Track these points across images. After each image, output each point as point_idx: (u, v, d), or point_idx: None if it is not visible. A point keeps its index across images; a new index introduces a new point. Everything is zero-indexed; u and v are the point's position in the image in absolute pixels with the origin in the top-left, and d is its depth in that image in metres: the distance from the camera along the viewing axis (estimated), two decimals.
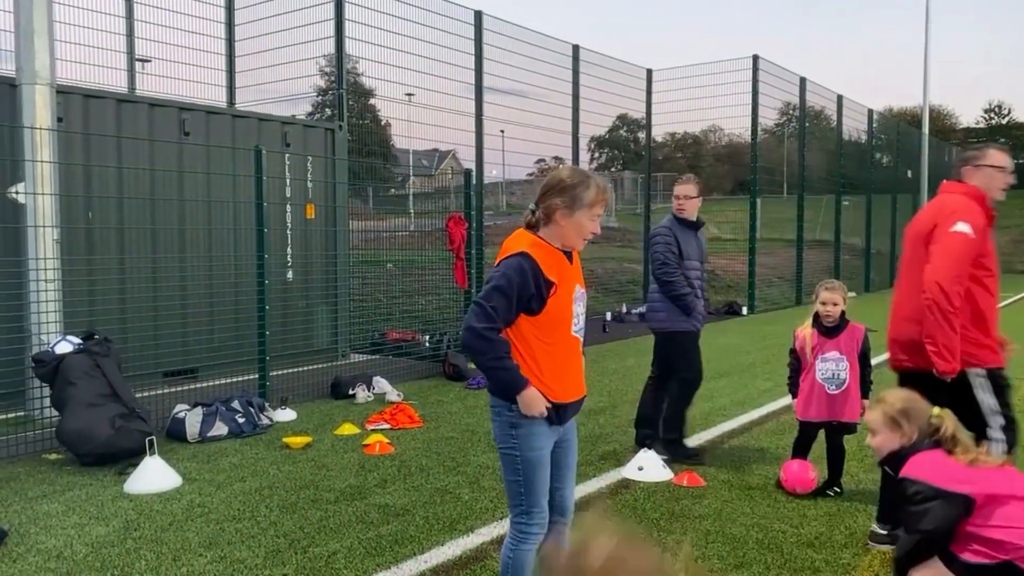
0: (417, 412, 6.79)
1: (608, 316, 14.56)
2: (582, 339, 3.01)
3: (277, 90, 11.42)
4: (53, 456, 5.50)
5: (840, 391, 4.65)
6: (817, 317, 4.78)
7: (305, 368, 8.17)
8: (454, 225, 8.81)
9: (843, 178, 20.87)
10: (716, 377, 8.71)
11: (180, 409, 6.13)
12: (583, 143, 22.92)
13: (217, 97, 11.46)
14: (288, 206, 9.15)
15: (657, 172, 38.30)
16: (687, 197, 5.76)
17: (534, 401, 2.77)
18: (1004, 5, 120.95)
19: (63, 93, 7.18)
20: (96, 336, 5.67)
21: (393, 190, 26.63)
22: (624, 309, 15.23)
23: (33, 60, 6.34)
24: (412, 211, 27.92)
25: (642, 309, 15.44)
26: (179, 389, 7.49)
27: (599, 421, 6.70)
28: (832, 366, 4.69)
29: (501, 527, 4.19)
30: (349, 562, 3.83)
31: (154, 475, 4.90)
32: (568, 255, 2.92)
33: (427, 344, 9.65)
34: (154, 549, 3.96)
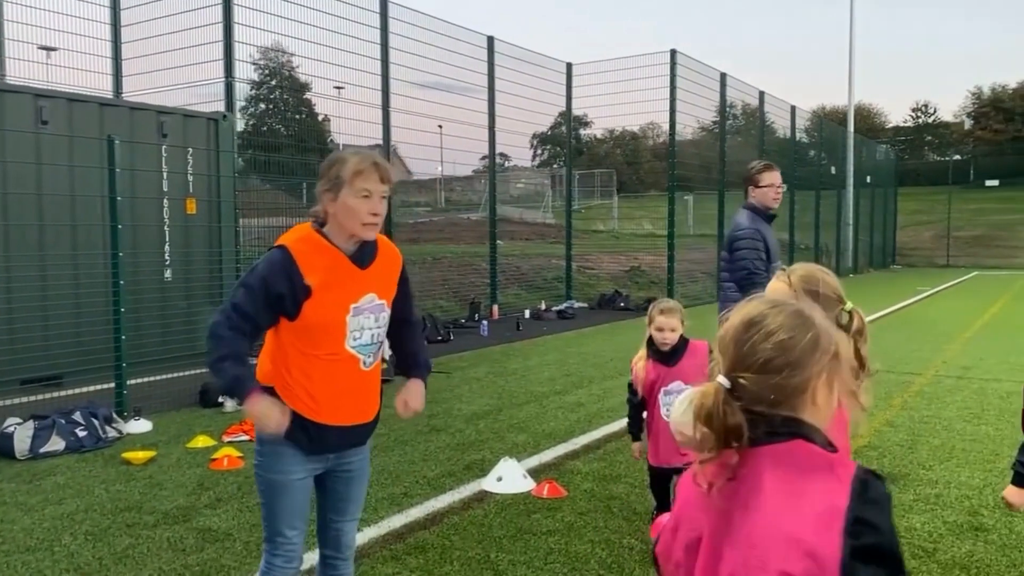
0: None
1: (527, 314, 14.28)
2: (372, 358, 2.56)
3: (167, 79, 10.77)
4: None
5: None
6: (652, 343, 3.86)
7: (177, 374, 7.65)
8: None
9: None
10: (615, 376, 8.46)
11: (10, 423, 5.58)
12: (524, 140, 22.67)
13: (104, 86, 10.82)
14: (165, 201, 8.59)
15: (595, 169, 38.53)
16: (781, 185, 4.91)
17: (261, 411, 2.33)
18: (930, 5, 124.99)
19: None
20: None
21: None
22: (543, 307, 14.96)
23: None
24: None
25: (562, 307, 15.21)
26: (38, 398, 6.91)
27: (478, 426, 6.36)
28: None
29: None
30: None
31: None
32: (362, 259, 2.47)
33: None
34: None
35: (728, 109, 19.85)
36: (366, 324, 2.51)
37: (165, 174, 8.55)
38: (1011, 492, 2.81)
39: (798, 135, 24.17)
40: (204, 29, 10.07)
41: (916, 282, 22.57)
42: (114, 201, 6.58)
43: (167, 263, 8.63)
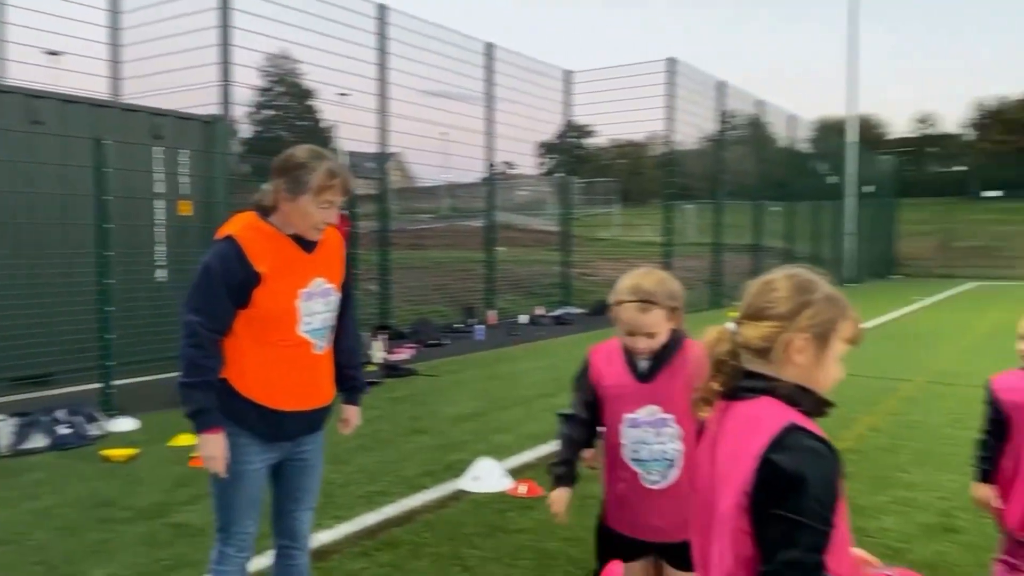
0: None
1: (523, 319, 14.28)
2: (324, 342, 2.60)
3: (166, 82, 10.83)
4: None
5: None
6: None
7: (169, 375, 7.66)
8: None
9: (767, 184, 21.03)
10: None
11: None
12: (532, 148, 22.69)
13: (102, 89, 10.91)
14: (160, 202, 8.63)
15: (601, 177, 38.55)
16: None
17: (213, 451, 2.44)
18: (934, 18, 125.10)
19: None
20: None
21: None
22: (541, 312, 14.96)
23: None
24: (346, 212, 27.28)
25: (559, 312, 15.20)
26: (26, 396, 6.97)
27: (462, 428, 6.36)
28: None
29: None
30: None
31: None
32: (308, 243, 2.52)
33: None
34: None
35: (728, 119, 19.90)
36: (316, 309, 2.54)
37: (159, 175, 8.60)
38: (974, 488, 2.83)
39: (798, 145, 24.19)
40: (202, 33, 10.16)
41: (913, 292, 22.50)
42: (102, 201, 6.62)
43: (160, 264, 8.67)
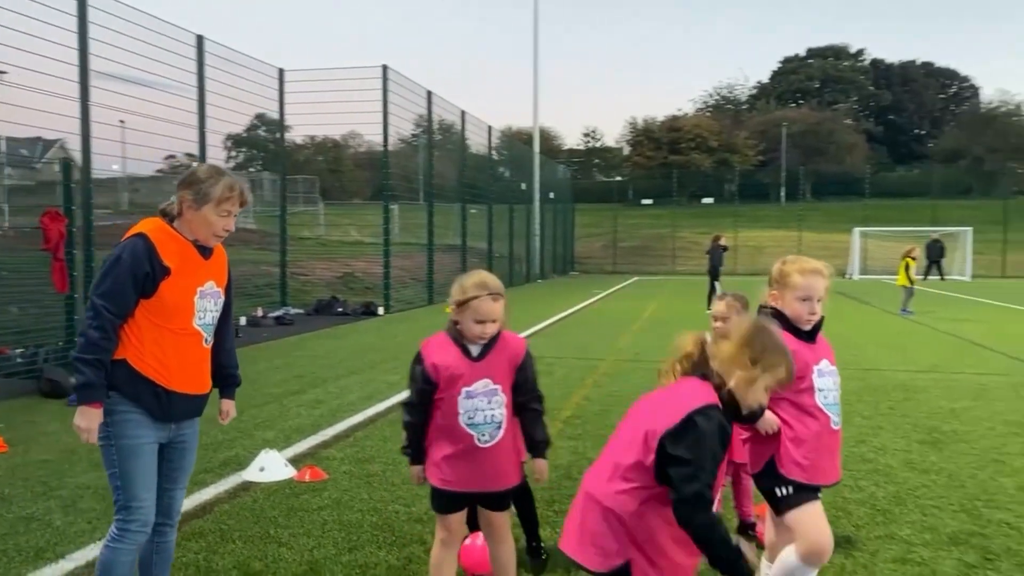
0: (0, 436, 5.89)
1: (243, 320, 14.02)
2: (211, 337, 2.95)
3: None
4: None
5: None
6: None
7: None
8: (50, 221, 7.81)
9: (468, 188, 22.67)
10: (347, 375, 8.93)
11: None
12: (218, 140, 21.71)
13: None
14: None
15: (297, 175, 37.96)
16: None
17: (90, 425, 2.69)
18: (597, 41, 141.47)
19: None
20: None
21: None
22: (260, 313, 14.78)
23: None
24: (6, 207, 24.05)
25: (279, 313, 15.14)
26: None
27: (221, 428, 6.43)
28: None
29: (98, 548, 3.84)
30: None
31: None
32: (205, 251, 2.88)
33: (18, 359, 8.44)
34: None
35: (434, 125, 21.13)
36: (208, 307, 2.90)
37: None
38: None
39: (493, 153, 26.33)
40: None
41: (592, 286, 25.84)
42: None
43: None
